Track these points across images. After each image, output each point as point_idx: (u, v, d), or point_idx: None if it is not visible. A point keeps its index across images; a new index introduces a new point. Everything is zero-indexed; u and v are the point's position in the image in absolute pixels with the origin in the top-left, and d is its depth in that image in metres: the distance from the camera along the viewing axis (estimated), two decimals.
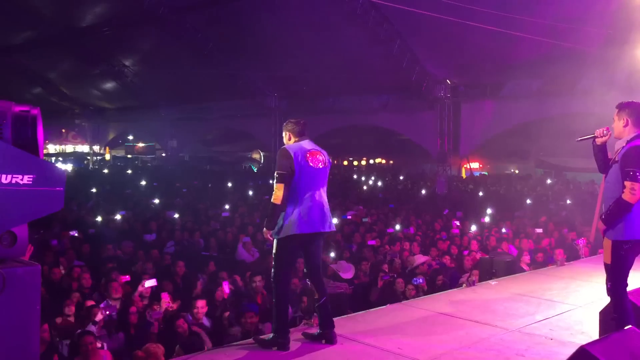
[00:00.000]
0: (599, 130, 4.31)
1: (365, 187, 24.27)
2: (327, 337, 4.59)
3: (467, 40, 18.48)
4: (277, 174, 4.44)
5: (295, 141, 4.64)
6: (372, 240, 10.73)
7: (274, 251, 4.60)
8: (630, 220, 3.99)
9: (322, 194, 4.59)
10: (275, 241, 4.54)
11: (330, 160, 4.80)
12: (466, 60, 20.74)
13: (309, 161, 4.50)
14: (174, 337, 5.74)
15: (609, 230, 4.09)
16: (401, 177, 28.50)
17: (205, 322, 6.29)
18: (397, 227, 12.31)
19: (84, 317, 5.90)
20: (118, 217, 13.30)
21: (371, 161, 38.54)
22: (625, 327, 3.60)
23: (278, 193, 4.40)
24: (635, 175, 3.90)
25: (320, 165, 4.58)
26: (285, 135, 4.73)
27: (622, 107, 4.20)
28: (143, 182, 23.14)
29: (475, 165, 28.99)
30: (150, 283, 6.72)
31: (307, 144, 4.62)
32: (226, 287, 7.04)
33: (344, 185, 24.37)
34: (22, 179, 2.29)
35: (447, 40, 19.31)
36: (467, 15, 15.16)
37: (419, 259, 9.09)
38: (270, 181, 4.62)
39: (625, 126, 4.14)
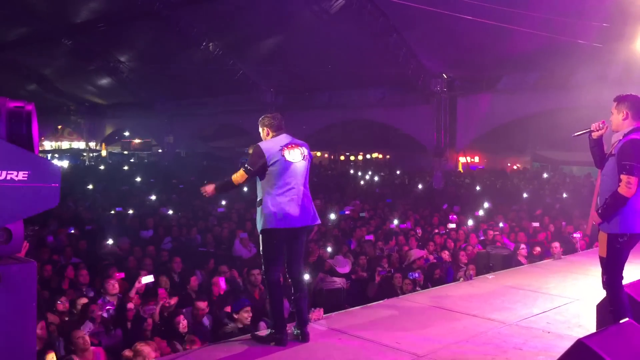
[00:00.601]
0: (595, 124, 4.28)
1: (362, 182, 24.24)
2: (301, 334, 4.57)
3: (463, 34, 18.42)
4: (245, 166, 4.48)
5: (272, 136, 4.62)
6: (369, 235, 10.72)
7: (260, 247, 4.61)
8: (625, 213, 3.99)
9: (301, 188, 4.55)
10: (260, 236, 4.57)
11: (312, 154, 4.77)
12: (462, 54, 20.68)
13: (286, 155, 4.48)
14: (173, 333, 5.74)
15: (604, 224, 4.08)
16: (398, 172, 28.46)
17: (205, 320, 6.29)
18: (395, 222, 12.31)
19: (82, 314, 5.89)
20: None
21: (368, 156, 38.45)
22: (622, 320, 3.61)
23: (239, 178, 4.50)
24: (632, 169, 3.88)
25: (298, 159, 4.55)
26: (262, 131, 4.69)
27: (621, 99, 4.16)
28: (139, 179, 23.08)
29: (471, 159, 28.97)
30: (147, 279, 6.69)
31: (284, 138, 4.59)
32: (222, 283, 7.03)
33: (341, 181, 24.31)
34: (17, 175, 2.28)
35: (443, 34, 19.27)
36: (463, 9, 15.12)
37: (416, 253, 9.10)
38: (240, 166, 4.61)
39: (624, 119, 4.11)
